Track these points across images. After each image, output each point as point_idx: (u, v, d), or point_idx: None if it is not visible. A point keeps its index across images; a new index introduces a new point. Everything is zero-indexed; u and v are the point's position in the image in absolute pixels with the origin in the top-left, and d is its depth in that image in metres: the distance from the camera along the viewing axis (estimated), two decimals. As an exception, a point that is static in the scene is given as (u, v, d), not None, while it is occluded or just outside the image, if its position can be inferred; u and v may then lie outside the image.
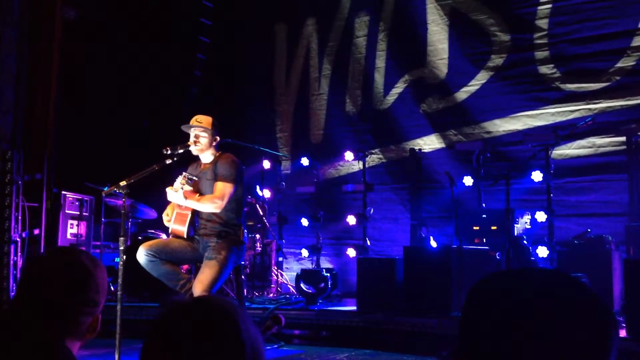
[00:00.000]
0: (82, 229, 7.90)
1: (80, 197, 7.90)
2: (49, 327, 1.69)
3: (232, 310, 1.27)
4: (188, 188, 4.88)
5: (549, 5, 7.49)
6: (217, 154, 5.16)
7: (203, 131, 5.06)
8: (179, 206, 5.04)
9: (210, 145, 5.11)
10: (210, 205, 4.92)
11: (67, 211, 7.72)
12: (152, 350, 1.25)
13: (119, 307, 4.46)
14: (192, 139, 5.07)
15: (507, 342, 1.09)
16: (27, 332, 1.66)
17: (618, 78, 7.03)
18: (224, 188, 4.93)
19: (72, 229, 7.79)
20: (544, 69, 7.51)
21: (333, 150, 8.90)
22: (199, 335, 1.23)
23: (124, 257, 4.56)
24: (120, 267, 4.51)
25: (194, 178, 4.93)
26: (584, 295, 1.13)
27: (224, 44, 10.13)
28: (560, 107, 7.36)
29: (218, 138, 5.15)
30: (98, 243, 7.84)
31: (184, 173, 4.89)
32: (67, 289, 1.74)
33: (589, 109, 7.15)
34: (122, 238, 4.60)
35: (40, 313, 1.70)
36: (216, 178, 4.98)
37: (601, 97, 7.11)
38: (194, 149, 5.07)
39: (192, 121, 5.11)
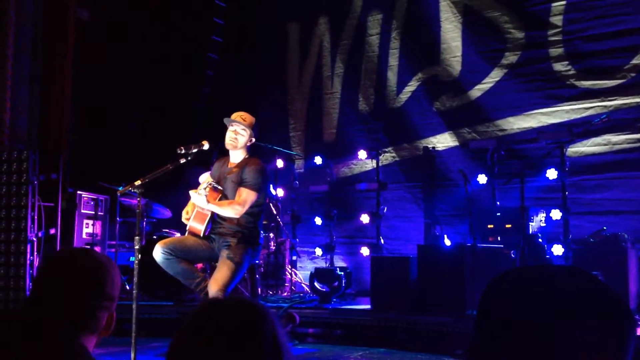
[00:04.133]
0: (98, 229, 7.95)
1: (95, 197, 7.96)
2: (67, 323, 1.70)
3: (267, 312, 1.27)
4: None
5: (563, 2, 7.44)
6: (247, 157, 5.14)
7: (244, 129, 5.06)
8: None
9: (246, 145, 5.11)
10: (231, 211, 4.92)
11: (82, 211, 7.78)
12: (187, 348, 1.23)
13: (134, 305, 4.49)
14: (230, 134, 5.05)
15: (522, 339, 1.08)
16: (45, 329, 1.68)
17: (633, 75, 6.97)
18: (247, 195, 4.91)
19: (87, 229, 7.84)
20: (559, 66, 7.46)
21: (346, 149, 8.89)
22: (239, 335, 1.21)
23: (139, 256, 4.58)
24: (136, 266, 4.54)
25: (219, 187, 4.95)
26: (601, 292, 1.12)
27: (236, 44, 10.16)
28: (575, 105, 7.31)
29: (254, 140, 5.15)
30: (113, 242, 7.89)
31: (211, 182, 4.89)
32: (85, 284, 1.77)
33: (604, 106, 7.09)
34: (137, 237, 4.63)
35: (58, 309, 1.72)
36: (241, 183, 4.97)
37: (616, 94, 7.05)
38: (229, 144, 5.05)
39: (236, 116, 5.09)
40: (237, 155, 5.14)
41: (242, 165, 5.06)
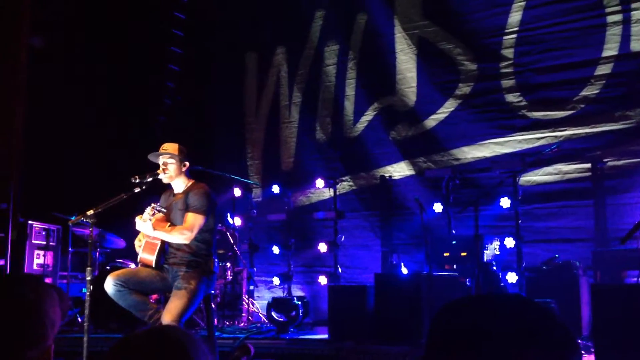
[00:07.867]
0: (49, 259, 7.76)
1: (47, 227, 7.78)
2: None
3: (185, 343, 1.26)
4: (159, 216, 4.83)
5: (514, 35, 7.65)
6: (190, 183, 5.11)
7: (170, 157, 5.02)
8: (149, 235, 4.98)
9: (180, 171, 5.06)
10: (179, 237, 4.87)
11: (33, 241, 7.59)
12: None
13: (85, 338, 4.39)
14: (160, 167, 5.03)
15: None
16: None
17: (582, 106, 7.18)
18: (194, 220, 4.88)
19: (38, 259, 7.65)
20: (511, 97, 7.64)
21: (304, 178, 8.91)
22: None
23: (91, 287, 4.49)
24: (87, 298, 4.44)
25: (163, 210, 4.87)
26: (548, 323, 1.14)
27: (194, 72, 10.14)
28: (526, 135, 7.48)
29: (187, 164, 5.11)
30: (65, 273, 7.71)
31: (152, 204, 4.83)
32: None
33: (555, 137, 7.28)
34: (89, 268, 4.54)
35: None
36: (187, 209, 4.93)
37: (566, 124, 7.25)
38: (163, 177, 5.02)
39: (159, 149, 5.08)
40: (178, 184, 5.11)
41: (186, 191, 5.04)
